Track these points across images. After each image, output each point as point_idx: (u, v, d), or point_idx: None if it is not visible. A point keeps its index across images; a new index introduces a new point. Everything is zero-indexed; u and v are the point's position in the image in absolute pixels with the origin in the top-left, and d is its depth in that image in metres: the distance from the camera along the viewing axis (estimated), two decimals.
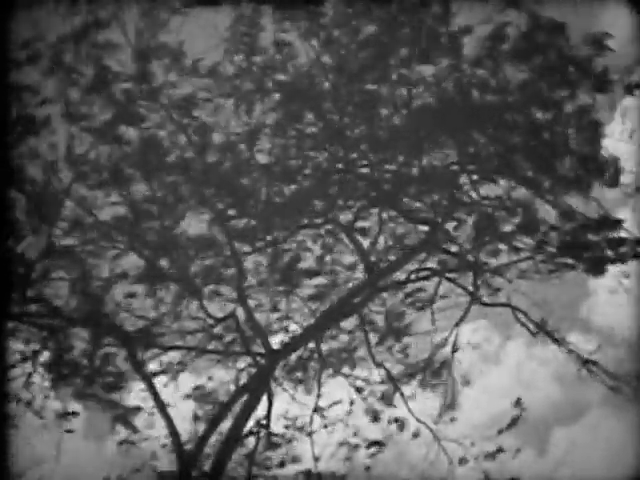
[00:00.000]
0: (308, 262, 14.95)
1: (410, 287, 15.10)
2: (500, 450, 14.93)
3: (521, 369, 15.88)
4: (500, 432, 14.97)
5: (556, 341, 14.65)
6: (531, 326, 14.73)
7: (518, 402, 15.01)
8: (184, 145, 14.31)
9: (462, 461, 15.10)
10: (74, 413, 14.21)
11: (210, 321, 14.74)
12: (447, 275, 14.92)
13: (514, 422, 14.98)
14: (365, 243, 14.97)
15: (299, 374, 15.30)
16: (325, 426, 15.41)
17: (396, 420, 15.44)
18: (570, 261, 14.41)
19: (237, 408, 14.59)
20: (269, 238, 14.66)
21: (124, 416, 14.56)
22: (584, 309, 14.72)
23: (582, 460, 14.23)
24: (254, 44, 14.05)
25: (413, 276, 14.97)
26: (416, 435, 15.39)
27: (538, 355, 15.54)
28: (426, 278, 15.02)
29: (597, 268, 14.31)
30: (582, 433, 15.35)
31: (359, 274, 14.99)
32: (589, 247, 14.23)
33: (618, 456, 13.48)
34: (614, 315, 14.24)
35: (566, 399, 15.79)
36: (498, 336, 15.66)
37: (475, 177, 14.25)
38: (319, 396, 15.36)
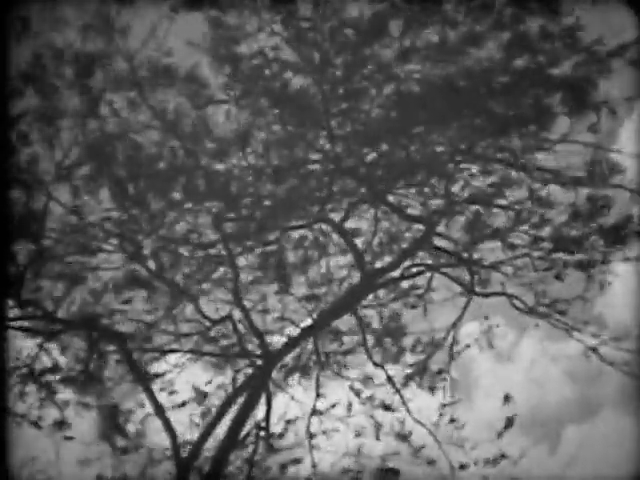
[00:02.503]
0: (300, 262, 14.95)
1: (404, 284, 15.10)
2: (503, 456, 14.73)
3: (533, 366, 15.72)
4: (500, 435, 14.77)
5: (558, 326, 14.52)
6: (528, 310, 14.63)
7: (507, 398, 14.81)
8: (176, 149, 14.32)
9: (463, 467, 14.93)
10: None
11: (206, 323, 14.74)
12: (442, 270, 14.84)
13: (510, 423, 14.78)
14: (359, 243, 15.00)
15: (297, 375, 15.27)
16: (324, 432, 15.33)
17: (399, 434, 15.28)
18: (564, 257, 14.32)
19: (235, 410, 14.55)
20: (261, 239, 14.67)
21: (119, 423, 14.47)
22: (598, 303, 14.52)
23: (594, 458, 14.06)
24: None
25: (407, 273, 14.92)
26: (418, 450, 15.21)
27: (551, 352, 15.40)
28: (421, 273, 14.96)
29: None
30: (594, 431, 15.20)
31: (355, 273, 15.03)
32: (582, 242, 14.13)
33: (630, 455, 13.18)
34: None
35: (579, 397, 15.63)
36: (511, 333, 15.55)
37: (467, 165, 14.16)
38: (317, 398, 15.33)
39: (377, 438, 15.24)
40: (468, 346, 15.27)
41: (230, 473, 14.63)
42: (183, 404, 14.68)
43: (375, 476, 14.98)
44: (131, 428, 14.48)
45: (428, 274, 15.02)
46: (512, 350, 15.70)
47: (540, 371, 15.63)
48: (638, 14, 13.21)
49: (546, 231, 14.20)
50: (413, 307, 15.12)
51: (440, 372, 15.41)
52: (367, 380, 15.46)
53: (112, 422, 14.30)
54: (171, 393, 14.65)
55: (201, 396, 14.81)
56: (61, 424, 14.08)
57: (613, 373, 14.02)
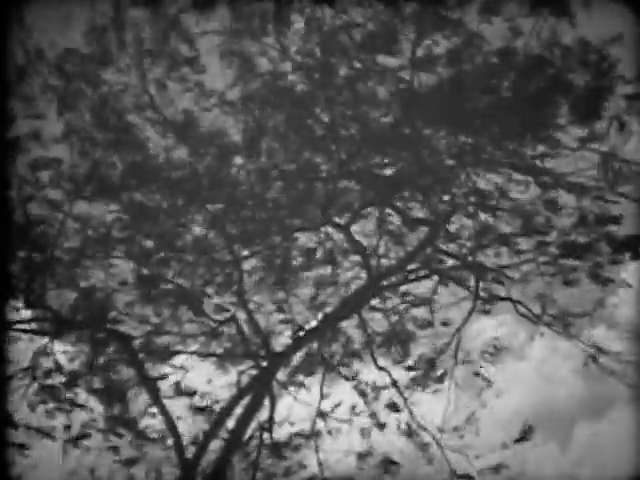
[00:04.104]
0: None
1: (409, 287, 15.13)
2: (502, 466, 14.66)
3: (545, 364, 15.65)
4: (505, 447, 14.71)
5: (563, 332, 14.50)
6: (533, 318, 14.59)
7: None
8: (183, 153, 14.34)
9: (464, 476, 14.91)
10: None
11: (211, 324, 14.72)
12: (448, 274, 14.85)
13: (523, 437, 14.73)
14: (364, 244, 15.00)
15: (301, 377, 15.25)
16: (329, 432, 15.32)
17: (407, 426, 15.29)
18: (572, 263, 14.30)
19: (239, 412, 14.54)
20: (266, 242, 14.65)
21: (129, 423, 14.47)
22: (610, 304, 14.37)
23: (605, 456, 14.01)
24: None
25: (412, 276, 14.92)
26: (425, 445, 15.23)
27: (562, 350, 15.33)
28: (427, 277, 14.96)
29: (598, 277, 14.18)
30: (605, 429, 15.14)
31: (360, 276, 15.03)
32: (590, 248, 14.12)
33: None
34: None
35: (590, 394, 15.57)
36: (523, 331, 15.48)
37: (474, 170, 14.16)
38: (322, 399, 15.31)
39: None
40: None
41: (234, 475, 14.62)
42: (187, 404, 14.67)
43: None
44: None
45: (434, 278, 14.96)
46: (523, 348, 15.63)
47: (551, 369, 15.55)
48: (637, 14, 13.22)
49: (552, 237, 14.15)
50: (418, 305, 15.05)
51: (443, 376, 15.35)
52: (371, 383, 15.47)
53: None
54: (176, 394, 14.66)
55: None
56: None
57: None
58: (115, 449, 14.46)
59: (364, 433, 15.19)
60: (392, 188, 14.33)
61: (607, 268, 14.00)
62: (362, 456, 15.19)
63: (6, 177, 13.35)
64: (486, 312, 14.93)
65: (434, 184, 14.29)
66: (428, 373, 15.42)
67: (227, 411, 14.47)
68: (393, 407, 15.36)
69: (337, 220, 14.73)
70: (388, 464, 15.11)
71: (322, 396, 15.35)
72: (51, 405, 14.07)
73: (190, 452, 14.34)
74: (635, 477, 12.96)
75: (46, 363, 14.12)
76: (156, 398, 14.42)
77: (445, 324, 15.21)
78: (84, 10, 13.16)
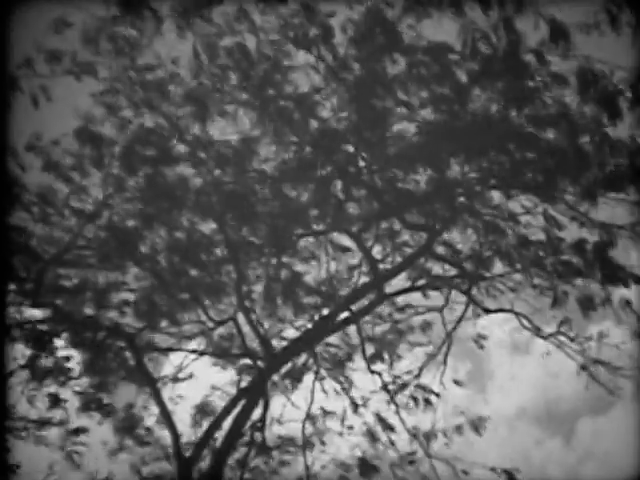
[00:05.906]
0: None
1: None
2: None
3: (549, 360, 15.88)
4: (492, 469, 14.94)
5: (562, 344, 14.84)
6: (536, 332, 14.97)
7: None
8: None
9: None
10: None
11: (210, 324, 14.79)
12: (446, 281, 15.12)
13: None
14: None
15: (295, 379, 15.36)
16: (318, 436, 15.43)
17: (392, 442, 15.50)
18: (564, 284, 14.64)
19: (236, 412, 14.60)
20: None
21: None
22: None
23: (608, 452, 14.17)
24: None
25: (418, 283, 15.16)
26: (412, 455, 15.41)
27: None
28: (429, 286, 15.24)
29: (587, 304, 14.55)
30: (609, 425, 15.30)
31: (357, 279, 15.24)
32: (581, 273, 14.45)
33: None
34: None
35: (593, 390, 15.80)
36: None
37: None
38: (312, 403, 15.44)
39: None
40: None
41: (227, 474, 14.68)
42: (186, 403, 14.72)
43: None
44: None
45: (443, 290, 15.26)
46: (528, 343, 15.83)
47: (555, 364, 15.78)
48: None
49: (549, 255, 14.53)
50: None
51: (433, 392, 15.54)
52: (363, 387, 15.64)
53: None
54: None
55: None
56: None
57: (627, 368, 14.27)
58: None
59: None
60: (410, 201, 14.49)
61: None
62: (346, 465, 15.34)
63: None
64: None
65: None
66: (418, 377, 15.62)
67: (226, 412, 14.51)
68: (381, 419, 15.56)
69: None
70: (369, 469, 15.29)
71: (312, 400, 15.48)
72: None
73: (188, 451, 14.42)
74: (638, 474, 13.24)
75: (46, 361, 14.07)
76: (157, 396, 14.43)
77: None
78: None
